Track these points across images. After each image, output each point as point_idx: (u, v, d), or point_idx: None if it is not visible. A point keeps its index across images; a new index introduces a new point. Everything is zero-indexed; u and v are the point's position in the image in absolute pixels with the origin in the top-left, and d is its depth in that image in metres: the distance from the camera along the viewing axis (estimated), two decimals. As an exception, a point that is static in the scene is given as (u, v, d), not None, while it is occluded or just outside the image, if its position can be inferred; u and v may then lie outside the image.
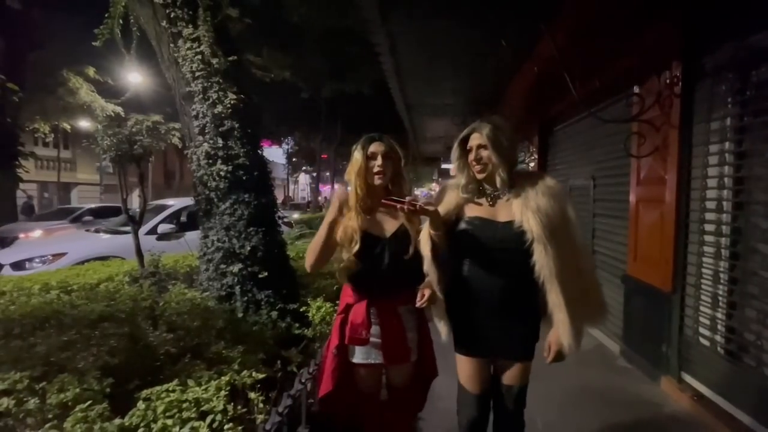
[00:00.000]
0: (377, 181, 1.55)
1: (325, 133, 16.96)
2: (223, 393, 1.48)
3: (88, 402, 1.33)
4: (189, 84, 2.84)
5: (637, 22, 2.71)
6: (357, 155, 1.57)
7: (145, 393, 1.43)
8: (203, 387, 1.52)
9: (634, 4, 2.57)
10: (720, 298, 2.33)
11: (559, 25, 2.92)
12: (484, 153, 1.35)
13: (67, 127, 11.17)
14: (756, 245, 2.12)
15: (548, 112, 4.98)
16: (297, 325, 2.65)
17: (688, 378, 2.53)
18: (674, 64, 2.54)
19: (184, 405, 1.38)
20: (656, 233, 2.76)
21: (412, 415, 1.91)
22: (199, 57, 2.76)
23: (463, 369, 1.46)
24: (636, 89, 2.93)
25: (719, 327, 2.34)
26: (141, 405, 1.36)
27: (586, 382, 2.74)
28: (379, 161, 1.55)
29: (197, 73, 2.79)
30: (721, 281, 2.33)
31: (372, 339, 1.56)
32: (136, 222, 3.17)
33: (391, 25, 3.34)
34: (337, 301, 2.99)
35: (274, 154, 26.48)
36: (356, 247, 1.53)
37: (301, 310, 2.79)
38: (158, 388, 1.45)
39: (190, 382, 1.53)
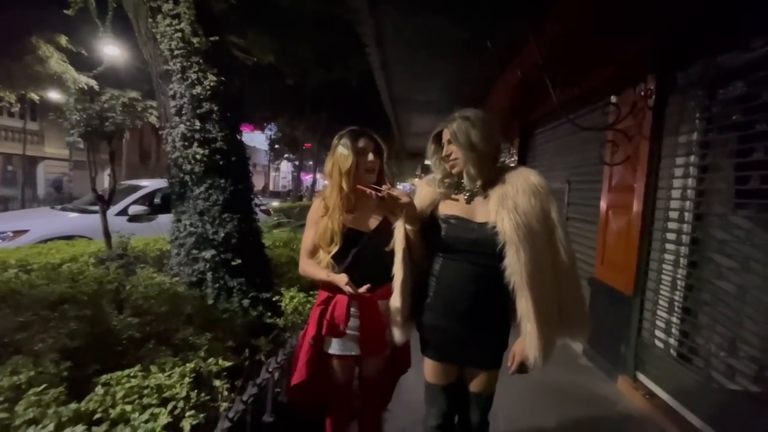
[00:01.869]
0: (370, 178, 1.53)
1: (309, 122, 16.70)
2: (186, 380, 1.46)
3: (43, 385, 1.28)
4: (167, 62, 2.74)
5: (616, 34, 2.78)
6: (344, 150, 1.53)
7: (104, 378, 1.39)
8: (167, 373, 1.49)
9: (614, 18, 2.64)
10: (676, 304, 2.46)
11: (543, 32, 2.97)
12: (452, 148, 1.29)
13: (35, 97, 10.55)
14: (711, 255, 2.24)
15: (530, 115, 5.08)
16: (269, 314, 2.63)
17: (642, 377, 2.67)
18: (649, 77, 2.63)
19: (145, 391, 1.36)
20: (622, 239, 2.88)
21: (381, 406, 1.94)
22: (179, 35, 2.67)
23: (429, 370, 1.42)
24: (613, 99, 3.03)
25: (673, 330, 2.47)
26: (99, 390, 1.33)
27: (548, 380, 2.84)
28: (370, 157, 1.53)
29: (176, 52, 2.69)
30: (678, 288, 2.46)
31: (350, 332, 1.57)
32: (104, 201, 3.05)
33: (379, 16, 3.30)
34: (312, 291, 3.00)
35: (256, 139, 25.95)
36: (335, 250, 1.54)
37: (274, 299, 2.76)
38: (119, 373, 1.42)
39: (153, 368, 1.51)
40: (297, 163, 21.65)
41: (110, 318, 1.86)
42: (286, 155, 26.68)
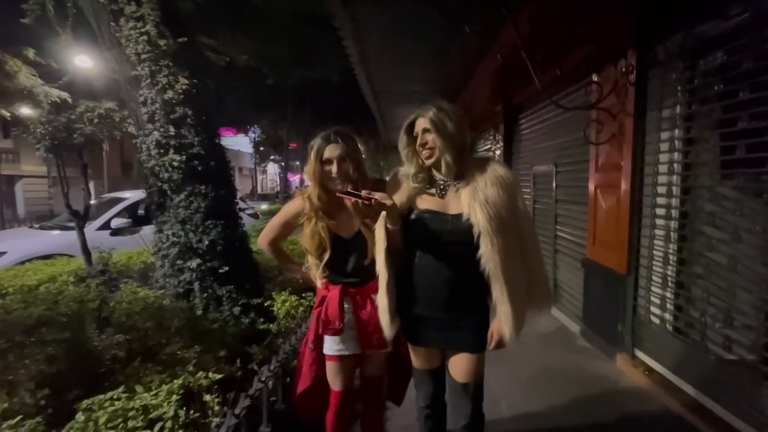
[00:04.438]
0: (337, 186, 1.50)
1: (292, 122, 16.51)
2: (174, 397, 1.40)
3: (18, 417, 1.21)
4: (134, 67, 2.64)
5: (594, 10, 2.74)
6: (311, 158, 1.52)
7: (85, 403, 1.32)
8: (153, 392, 1.43)
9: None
10: (669, 279, 2.46)
11: (521, 12, 2.92)
12: (429, 137, 1.30)
13: (6, 114, 10.20)
14: (701, 227, 2.24)
15: (513, 100, 5.04)
16: (261, 320, 2.57)
17: (640, 354, 2.67)
18: (629, 52, 2.60)
19: (130, 413, 1.29)
20: (613, 218, 2.86)
21: (384, 406, 1.90)
22: (145, 38, 2.56)
23: (414, 355, 1.50)
24: (594, 77, 3.00)
25: (668, 306, 2.47)
26: (80, 417, 1.26)
27: (548, 363, 2.84)
28: (334, 167, 1.49)
29: (143, 56, 2.59)
30: (670, 262, 2.45)
31: (347, 329, 1.57)
32: (79, 217, 2.94)
33: (353, 7, 3.22)
34: (304, 294, 2.94)
35: (241, 142, 25.56)
36: (326, 257, 1.54)
37: (266, 304, 2.71)
38: (101, 396, 1.35)
39: (139, 388, 1.44)
40: (283, 164, 21.42)
41: (92, 338, 1.78)
42: (272, 157, 26.36)
